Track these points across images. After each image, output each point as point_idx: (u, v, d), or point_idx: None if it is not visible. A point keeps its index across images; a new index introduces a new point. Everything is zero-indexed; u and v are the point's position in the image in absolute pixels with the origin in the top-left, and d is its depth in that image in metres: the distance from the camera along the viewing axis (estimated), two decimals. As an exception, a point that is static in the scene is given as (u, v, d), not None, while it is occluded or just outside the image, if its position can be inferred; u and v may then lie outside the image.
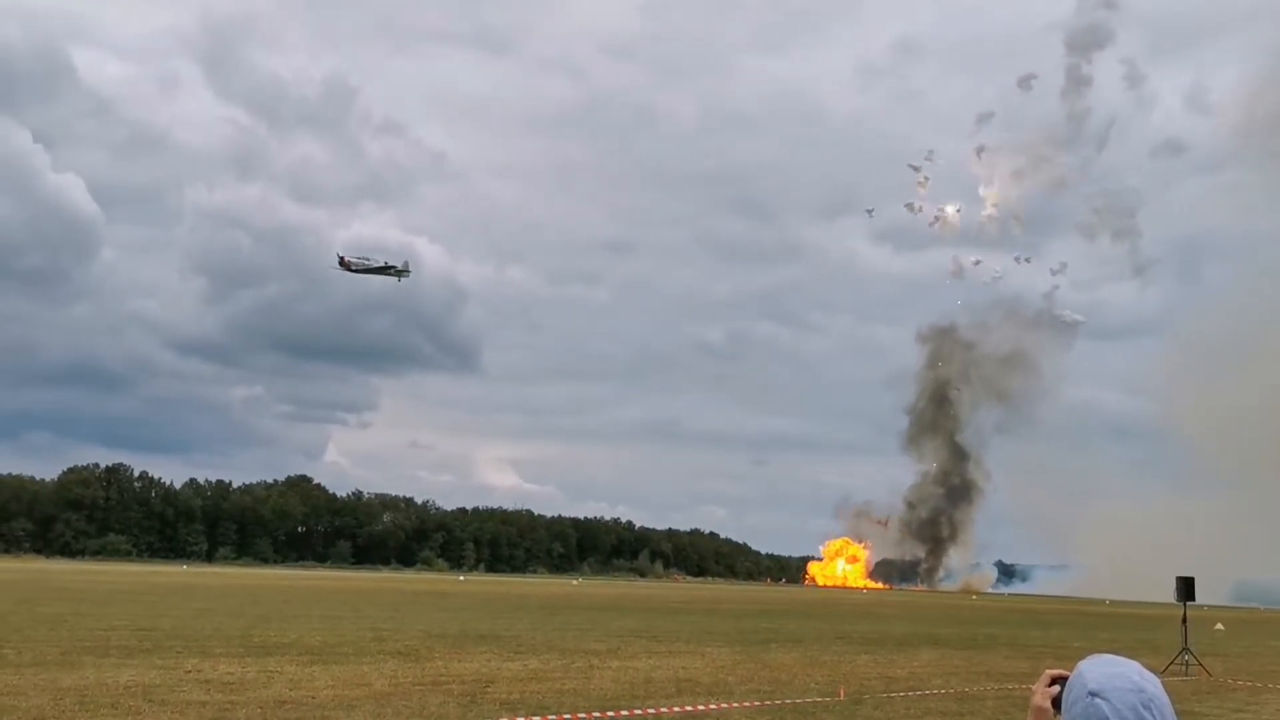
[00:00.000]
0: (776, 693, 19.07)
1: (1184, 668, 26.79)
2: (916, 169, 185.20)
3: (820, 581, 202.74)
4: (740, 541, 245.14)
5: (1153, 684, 2.20)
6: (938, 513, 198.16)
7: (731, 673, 22.34)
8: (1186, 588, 27.95)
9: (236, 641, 24.89)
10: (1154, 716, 2.14)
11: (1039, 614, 73.08)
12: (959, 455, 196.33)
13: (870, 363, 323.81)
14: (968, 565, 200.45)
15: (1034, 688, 2.59)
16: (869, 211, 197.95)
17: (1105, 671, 2.22)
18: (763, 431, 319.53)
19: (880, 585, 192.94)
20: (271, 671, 19.14)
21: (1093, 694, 2.18)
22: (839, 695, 18.87)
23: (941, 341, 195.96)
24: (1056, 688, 2.53)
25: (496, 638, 29.31)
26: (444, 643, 26.87)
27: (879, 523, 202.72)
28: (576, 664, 22.91)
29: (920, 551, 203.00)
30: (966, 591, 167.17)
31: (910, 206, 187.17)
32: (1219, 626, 55.25)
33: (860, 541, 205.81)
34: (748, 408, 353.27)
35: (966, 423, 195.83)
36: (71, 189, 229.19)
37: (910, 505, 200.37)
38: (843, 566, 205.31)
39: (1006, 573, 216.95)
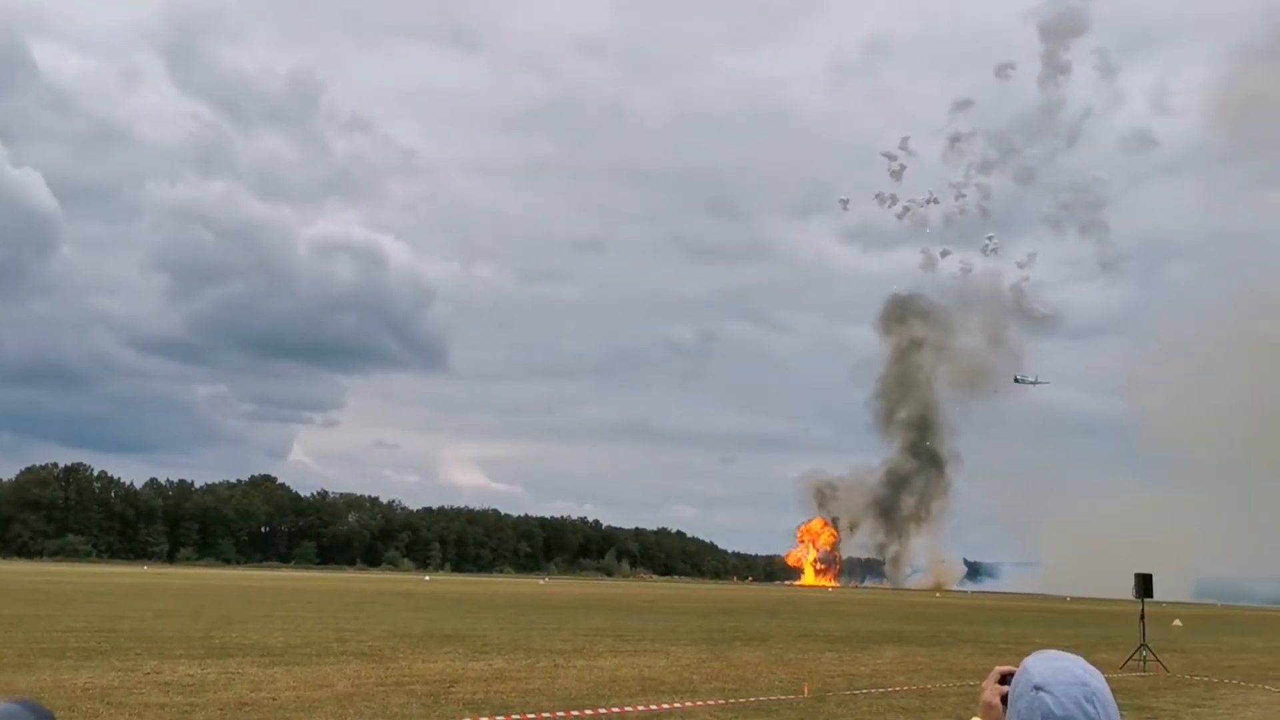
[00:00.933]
0: (740, 691, 19.12)
1: (1142, 663, 27.13)
2: (892, 158, 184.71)
3: (795, 565, 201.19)
4: (707, 540, 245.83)
5: (1096, 678, 2.22)
6: (905, 479, 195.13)
7: (696, 671, 22.38)
8: (1145, 585, 28.27)
9: (197, 643, 24.63)
10: (1096, 709, 2.16)
11: (1002, 611, 73.75)
12: (926, 427, 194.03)
13: (838, 361, 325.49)
14: (935, 558, 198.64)
15: (984, 684, 2.61)
16: (843, 201, 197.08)
17: (1049, 666, 2.24)
18: (731, 430, 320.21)
19: (833, 583, 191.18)
20: (232, 673, 18.96)
21: (1037, 688, 2.20)
22: (803, 693, 18.94)
23: (907, 308, 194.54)
24: (1006, 686, 2.54)
25: (461, 638, 29.20)
26: (408, 643, 26.73)
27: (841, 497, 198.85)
28: (541, 663, 22.87)
29: (885, 532, 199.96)
30: (934, 588, 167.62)
31: (880, 197, 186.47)
32: (1177, 623, 55.97)
33: (824, 516, 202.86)
34: (717, 406, 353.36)
35: (936, 393, 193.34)
36: (30, 184, 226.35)
37: (880, 482, 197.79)
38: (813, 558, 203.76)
39: (974, 571, 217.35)
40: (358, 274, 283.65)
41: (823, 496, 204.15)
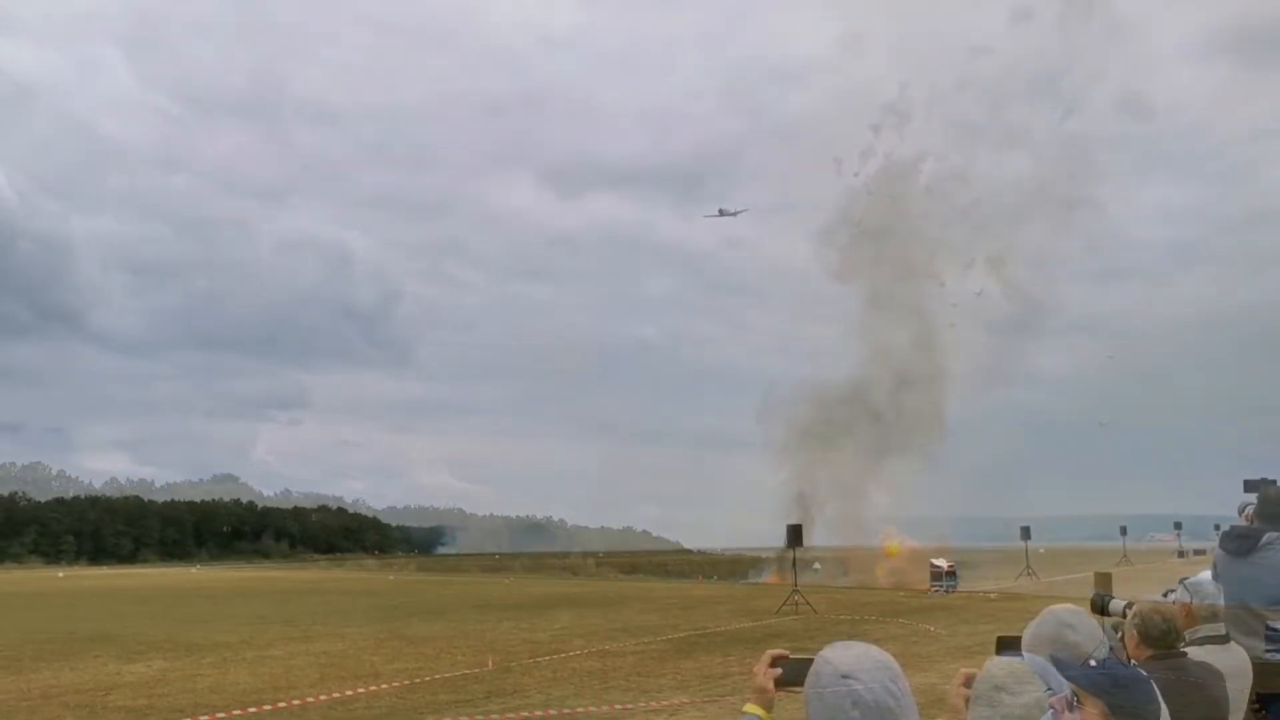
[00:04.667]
0: (424, 669, 18.93)
1: (794, 608, 29.45)
2: (891, 110, 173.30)
3: None
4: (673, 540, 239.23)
5: (893, 660, 2.36)
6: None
7: (376, 653, 21.93)
8: (795, 534, 30.70)
9: None
10: (899, 688, 2.30)
11: (660, 567, 77.56)
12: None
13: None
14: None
15: (755, 669, 2.70)
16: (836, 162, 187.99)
17: (851, 655, 2.36)
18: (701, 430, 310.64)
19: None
20: None
21: (845, 676, 2.30)
22: (487, 665, 19.04)
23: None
24: (779, 669, 2.65)
25: (110, 638, 26.89)
26: (49, 649, 24.29)
27: None
28: (208, 659, 21.52)
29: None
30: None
31: (865, 153, 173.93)
32: (816, 566, 61.21)
33: None
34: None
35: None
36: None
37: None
38: None
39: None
40: (322, 270, 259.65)
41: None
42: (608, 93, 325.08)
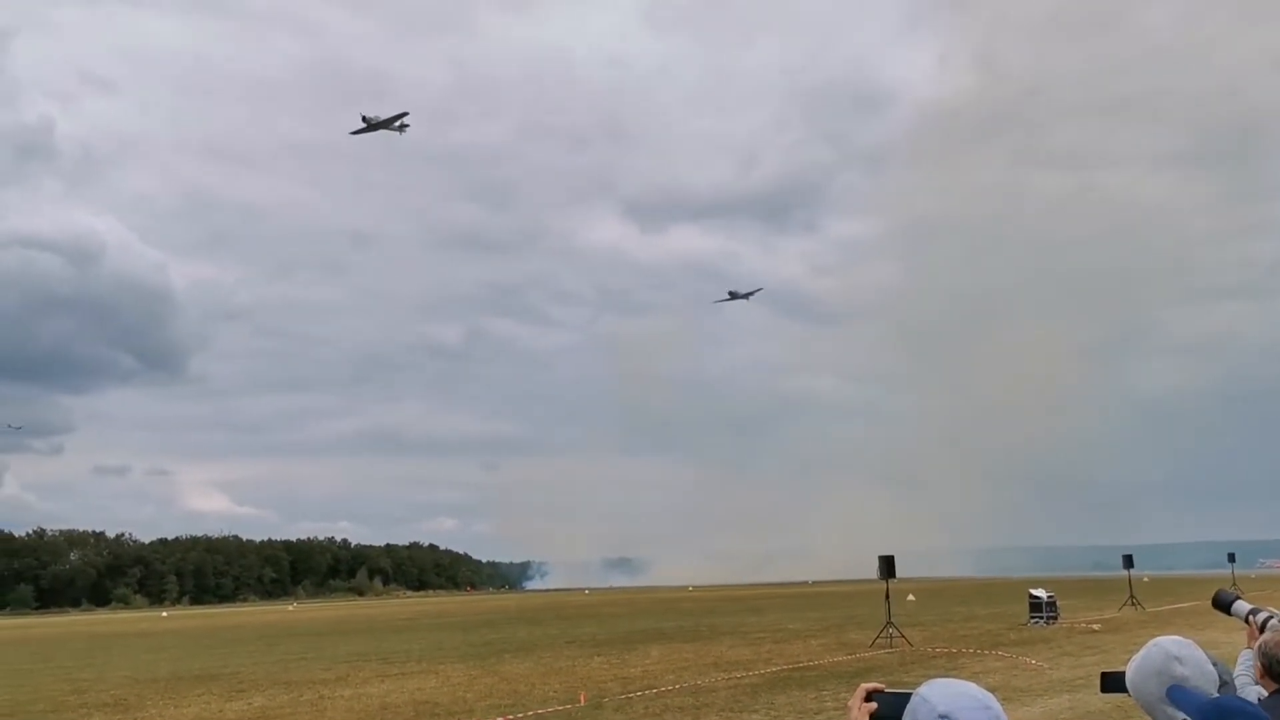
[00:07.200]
0: (518, 706, 18.97)
1: (889, 640, 28.89)
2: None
3: None
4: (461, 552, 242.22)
5: (994, 700, 2.30)
6: None
7: (469, 689, 22.05)
8: (888, 566, 30.12)
9: (-95, 711, 22.09)
10: (1001, 729, 2.23)
11: (750, 600, 76.68)
12: None
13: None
14: None
15: (850, 704, 2.64)
16: None
17: (949, 692, 2.30)
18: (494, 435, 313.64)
19: None
20: (-46, 742, 17.13)
21: (943, 716, 2.24)
22: (580, 701, 19.02)
23: None
24: (874, 704, 2.59)
25: (213, 677, 27.54)
26: (154, 688, 24.97)
27: None
28: (305, 697, 21.89)
29: None
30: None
31: None
32: (910, 597, 60.01)
33: None
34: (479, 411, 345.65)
35: None
36: None
37: None
38: None
39: None
40: (76, 273, 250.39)
41: None
42: (690, 124, 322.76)
